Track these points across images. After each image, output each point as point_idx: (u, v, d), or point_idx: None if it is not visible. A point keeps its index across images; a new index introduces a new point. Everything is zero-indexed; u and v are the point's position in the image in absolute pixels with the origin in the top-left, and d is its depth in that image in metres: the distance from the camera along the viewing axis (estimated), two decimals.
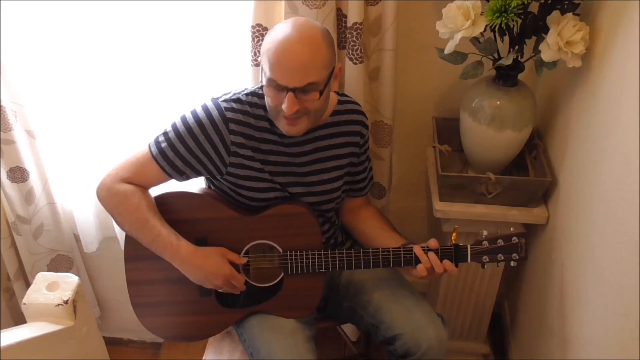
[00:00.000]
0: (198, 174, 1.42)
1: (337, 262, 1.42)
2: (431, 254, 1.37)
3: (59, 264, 1.95)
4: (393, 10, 1.51)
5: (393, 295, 1.50)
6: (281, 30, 1.26)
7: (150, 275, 1.47)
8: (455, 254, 1.38)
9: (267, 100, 1.32)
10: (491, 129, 1.52)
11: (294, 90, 1.25)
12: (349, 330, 2.00)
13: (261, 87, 1.41)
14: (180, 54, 1.65)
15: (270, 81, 1.26)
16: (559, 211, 1.55)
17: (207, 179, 1.50)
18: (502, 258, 1.39)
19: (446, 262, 1.38)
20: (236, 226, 1.44)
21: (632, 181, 1.12)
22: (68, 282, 1.40)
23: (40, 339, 1.34)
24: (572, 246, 1.46)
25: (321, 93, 1.28)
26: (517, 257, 1.39)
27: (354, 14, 1.49)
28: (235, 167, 1.40)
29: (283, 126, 1.33)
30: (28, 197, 1.79)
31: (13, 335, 1.32)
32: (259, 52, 1.56)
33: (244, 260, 1.43)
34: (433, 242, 1.39)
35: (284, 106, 1.26)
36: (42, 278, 1.41)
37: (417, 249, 1.38)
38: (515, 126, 1.51)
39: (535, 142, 1.67)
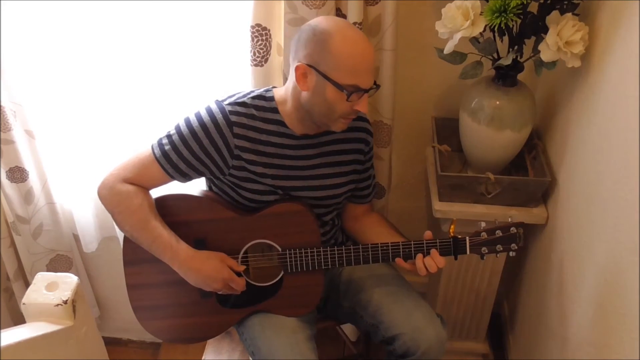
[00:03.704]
0: (201, 175, 1.43)
1: (337, 259, 1.42)
2: (434, 252, 1.37)
3: (58, 264, 1.94)
4: (392, 10, 1.51)
5: (393, 296, 1.50)
6: (347, 32, 1.27)
7: (151, 278, 1.47)
8: (454, 247, 1.39)
9: (335, 107, 1.30)
10: (490, 129, 1.52)
11: (367, 90, 1.30)
12: (348, 330, 2.00)
13: (267, 90, 1.41)
14: (179, 53, 1.65)
15: (352, 87, 1.27)
16: (559, 211, 1.55)
17: (208, 179, 1.50)
18: (501, 249, 1.39)
19: (436, 257, 1.37)
20: (235, 226, 1.44)
21: (632, 181, 1.12)
22: (67, 282, 1.40)
23: (40, 339, 1.34)
24: (572, 246, 1.46)
25: None
26: (516, 247, 1.39)
27: (353, 14, 1.49)
28: (237, 169, 1.40)
29: (338, 126, 1.36)
30: (27, 197, 1.79)
31: (12, 335, 1.31)
32: (258, 52, 1.56)
33: (242, 268, 1.43)
34: (428, 235, 1.40)
35: (360, 107, 1.30)
36: (42, 278, 1.41)
37: (419, 258, 1.38)
38: (515, 126, 1.51)
39: (534, 142, 1.67)
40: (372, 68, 1.31)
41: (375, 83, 1.32)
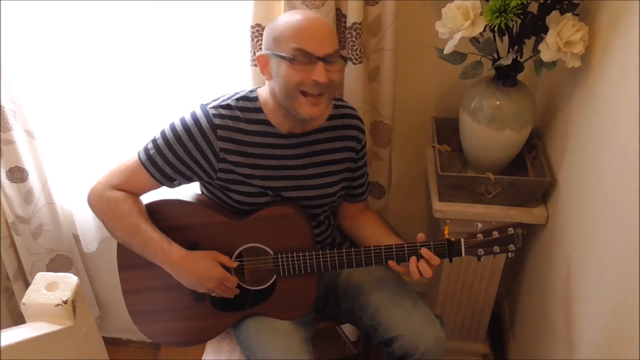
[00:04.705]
0: (189, 180, 1.42)
1: (329, 262, 1.41)
2: (425, 251, 1.36)
3: (58, 264, 1.95)
4: (392, 10, 1.51)
5: (391, 297, 1.49)
6: (293, 13, 1.30)
7: (145, 283, 1.47)
8: (449, 249, 1.37)
9: (288, 79, 1.27)
10: (490, 129, 1.51)
11: (323, 59, 1.26)
12: (348, 330, 2.00)
13: (252, 91, 1.41)
14: (179, 53, 1.65)
15: (298, 53, 1.25)
16: (559, 211, 1.55)
17: (200, 183, 1.50)
18: (499, 250, 1.36)
19: (430, 257, 1.36)
20: (226, 231, 1.43)
21: (632, 181, 1.12)
22: (67, 282, 1.40)
23: (40, 339, 1.34)
24: (572, 246, 1.46)
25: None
26: (514, 249, 1.36)
27: (353, 14, 1.49)
28: (225, 172, 1.40)
29: (304, 108, 1.30)
30: (27, 197, 1.79)
31: (12, 335, 1.31)
32: (258, 51, 1.56)
33: (235, 264, 1.43)
34: (421, 237, 1.38)
35: (316, 76, 1.26)
36: (42, 278, 1.41)
37: (413, 262, 1.36)
38: (515, 126, 1.51)
39: (534, 142, 1.67)
40: (323, 37, 1.27)
41: (341, 56, 1.30)
